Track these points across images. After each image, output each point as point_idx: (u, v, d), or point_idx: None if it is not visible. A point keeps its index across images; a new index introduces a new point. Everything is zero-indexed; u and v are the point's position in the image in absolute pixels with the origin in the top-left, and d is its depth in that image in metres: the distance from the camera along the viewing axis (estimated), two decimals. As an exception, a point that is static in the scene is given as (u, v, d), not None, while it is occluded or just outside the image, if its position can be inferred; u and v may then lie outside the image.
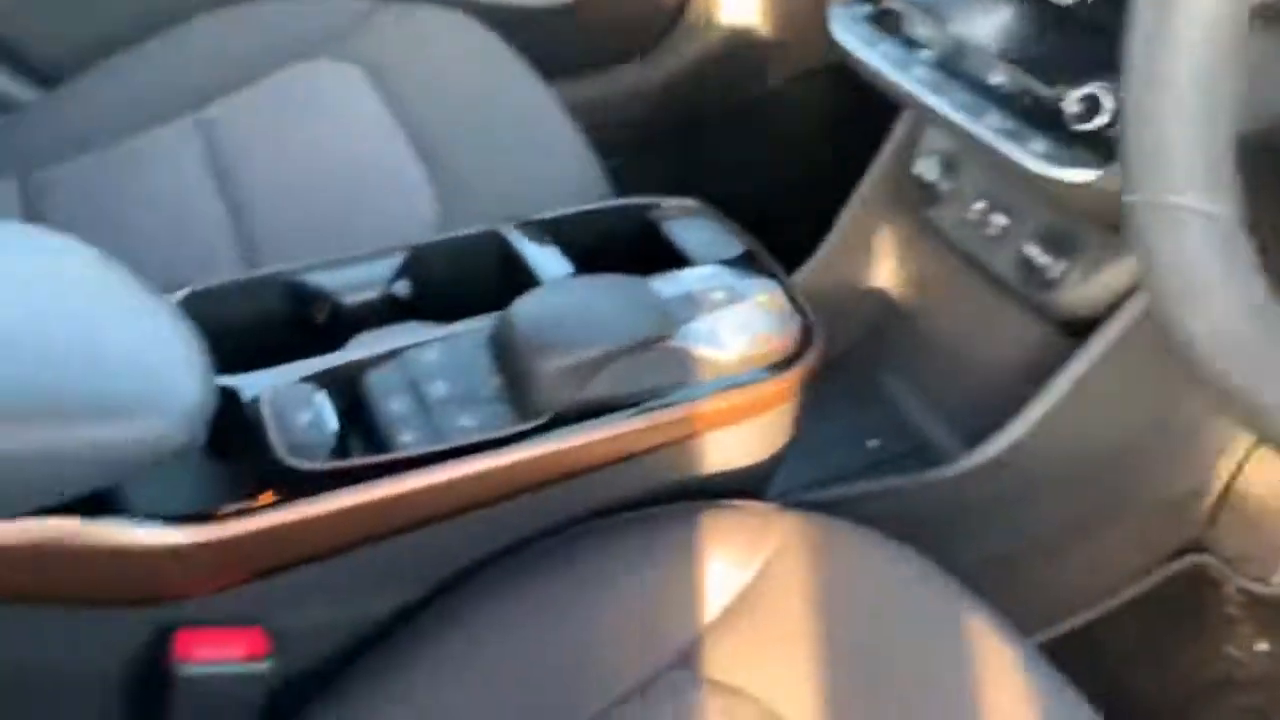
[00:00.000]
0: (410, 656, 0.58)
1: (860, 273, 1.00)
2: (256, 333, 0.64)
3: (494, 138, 0.93)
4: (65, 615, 0.51)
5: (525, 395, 0.59)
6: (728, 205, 0.76)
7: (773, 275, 0.70)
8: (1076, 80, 0.69)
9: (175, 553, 0.50)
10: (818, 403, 1.00)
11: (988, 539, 0.87)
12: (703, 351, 0.63)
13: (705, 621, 0.59)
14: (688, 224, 0.75)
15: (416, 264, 0.70)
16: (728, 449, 0.67)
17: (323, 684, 0.57)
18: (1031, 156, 0.70)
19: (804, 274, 0.98)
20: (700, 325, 0.64)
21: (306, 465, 0.54)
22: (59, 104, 1.00)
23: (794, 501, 0.83)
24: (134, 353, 0.48)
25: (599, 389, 0.60)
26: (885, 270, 1.00)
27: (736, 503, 0.66)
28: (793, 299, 0.69)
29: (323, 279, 0.67)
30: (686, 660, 0.58)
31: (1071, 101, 0.68)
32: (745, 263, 0.71)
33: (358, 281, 0.68)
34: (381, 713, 0.56)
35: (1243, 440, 0.93)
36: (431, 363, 0.61)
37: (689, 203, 0.76)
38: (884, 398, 1.01)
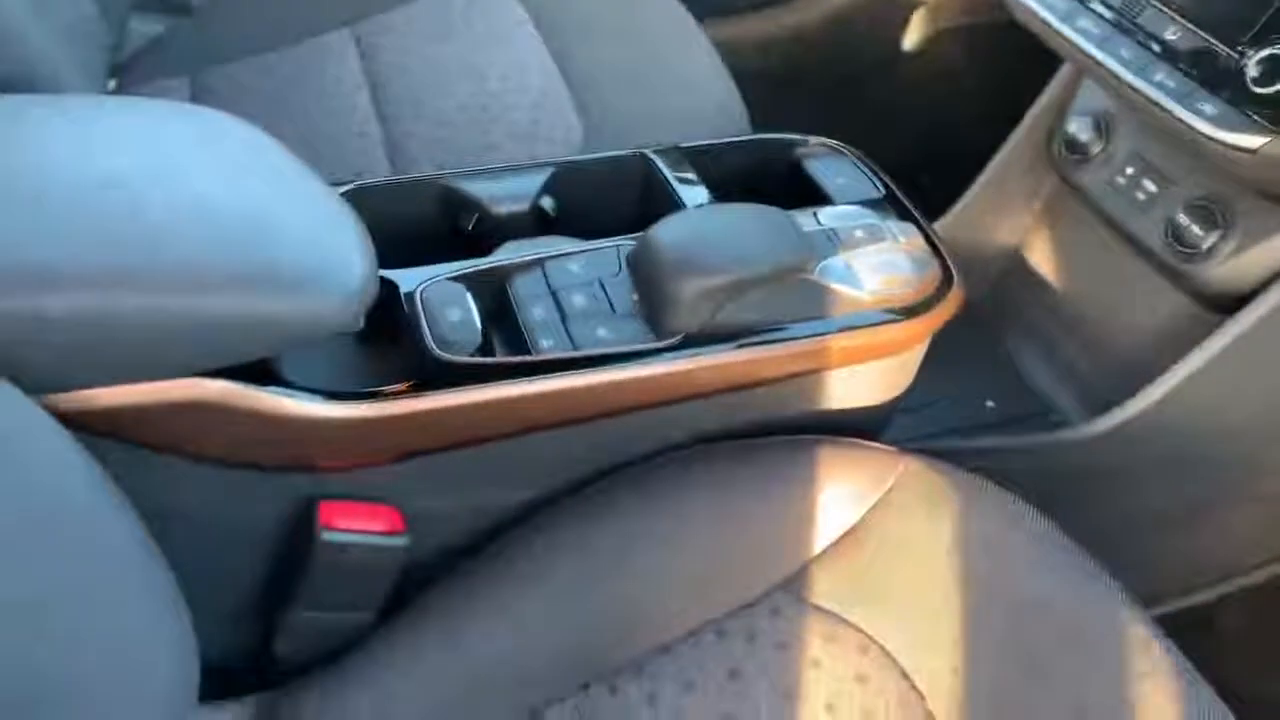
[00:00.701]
0: (535, 546, 0.61)
1: (997, 229, 0.99)
2: (410, 232, 0.67)
3: (641, 68, 0.94)
4: (226, 472, 0.55)
5: (660, 314, 0.61)
6: (870, 153, 0.76)
7: (914, 219, 0.70)
8: (1260, 41, 0.66)
9: (325, 425, 0.54)
10: (939, 359, 1.00)
11: (1106, 509, 0.86)
12: (838, 288, 0.64)
13: (815, 550, 0.61)
14: (830, 163, 0.75)
15: (562, 181, 0.72)
16: (852, 387, 0.67)
17: (450, 564, 0.61)
18: (1201, 118, 0.68)
19: (941, 225, 0.97)
20: (838, 262, 0.65)
21: (452, 358, 0.56)
22: (226, 9, 1.05)
23: (908, 448, 0.84)
24: (308, 232, 0.51)
25: (732, 314, 0.61)
26: (1024, 228, 0.98)
27: (855, 440, 0.67)
28: (933, 244, 0.68)
29: (474, 187, 0.70)
30: (794, 584, 0.59)
31: (1253, 62, 0.66)
32: (886, 205, 0.71)
33: (506, 193, 0.70)
34: (498, 601, 0.59)
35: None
36: (574, 274, 0.63)
37: (832, 143, 0.76)
38: (1006, 359, 0.99)
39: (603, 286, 0.63)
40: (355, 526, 0.55)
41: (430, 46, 0.96)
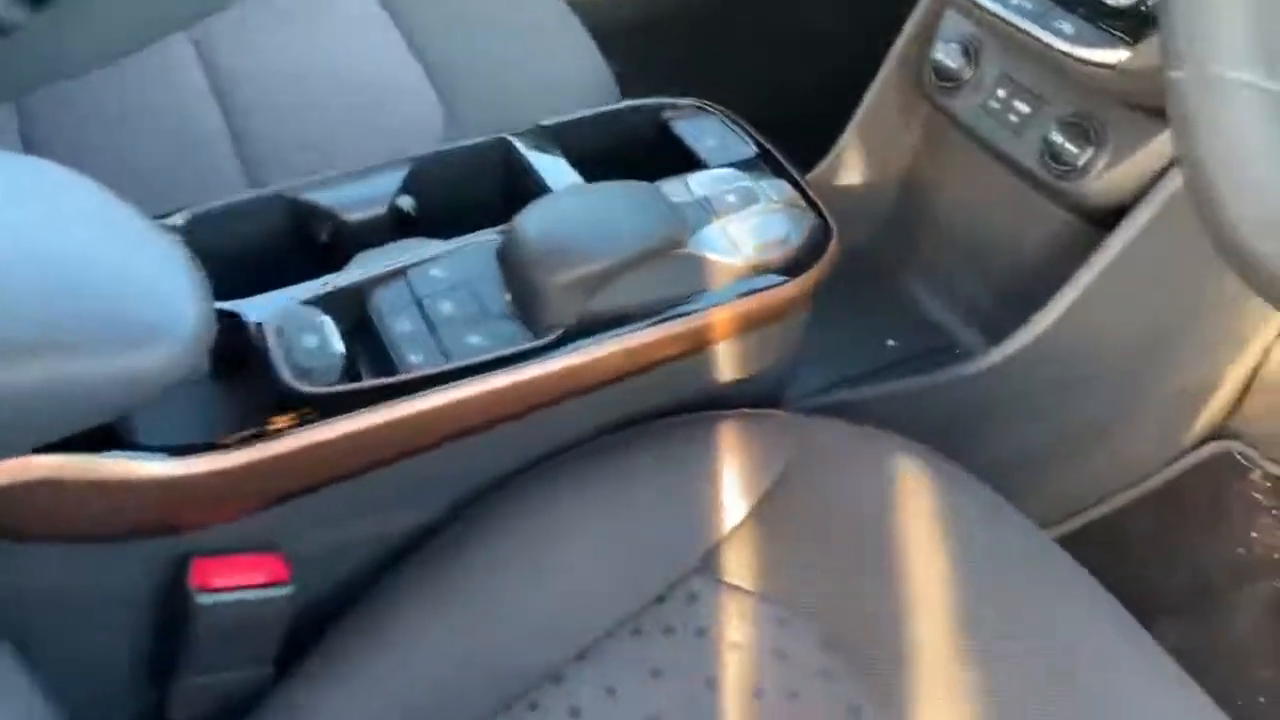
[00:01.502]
0: (432, 572, 0.58)
1: (878, 167, 0.97)
2: (259, 254, 0.63)
3: (498, 41, 0.90)
4: (83, 549, 0.51)
5: (535, 311, 0.58)
6: (738, 108, 0.74)
7: (788, 176, 0.68)
8: (1109, -45, 0.65)
9: (180, 484, 0.50)
10: (835, 304, 0.98)
11: (1011, 436, 0.86)
12: (715, 258, 0.61)
13: (726, 528, 0.59)
14: (699, 125, 0.72)
15: (421, 177, 0.68)
16: (744, 356, 0.65)
17: (344, 604, 0.58)
18: (1061, 37, 0.67)
19: (819, 171, 0.96)
20: (713, 230, 0.62)
21: (313, 389, 0.53)
22: (51, 24, 0.97)
23: (812, 406, 0.83)
24: (129, 280, 0.46)
25: (610, 301, 0.58)
26: (904, 164, 0.97)
27: (753, 410, 0.65)
28: (809, 200, 0.66)
29: (324, 196, 0.66)
30: (707, 567, 0.58)
31: (1105, -23, 0.65)
32: (759, 164, 0.69)
33: (360, 198, 0.66)
34: (405, 628, 0.56)
35: (1270, 323, 0.91)
36: (438, 279, 0.59)
37: (700, 103, 0.74)
38: (903, 297, 0.99)
39: (471, 288, 0.59)
40: (233, 582, 0.52)
41: (276, 44, 0.91)
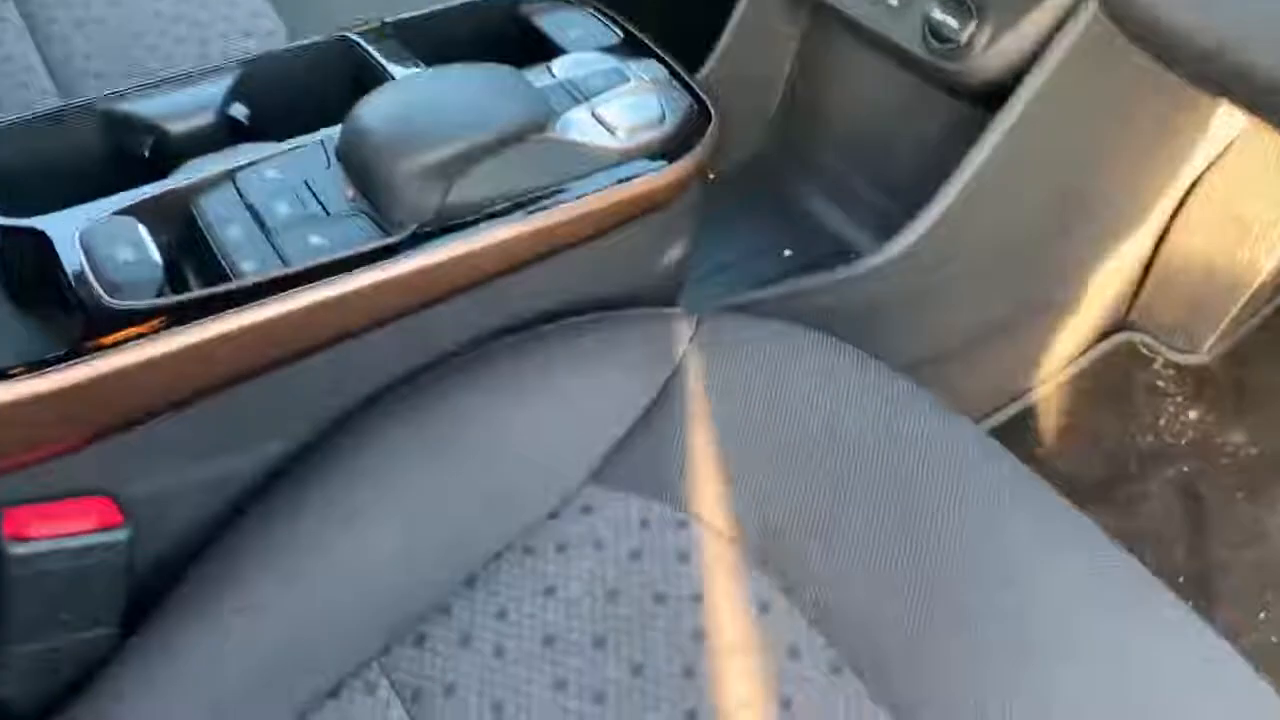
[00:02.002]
0: (297, 506, 0.52)
1: (763, 70, 0.93)
2: (73, 170, 0.56)
3: None
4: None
5: (383, 206, 0.52)
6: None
7: (656, 56, 0.62)
8: None
9: (-12, 415, 0.43)
10: (726, 218, 0.94)
11: (913, 337, 0.83)
12: (585, 141, 0.56)
13: (620, 433, 0.54)
14: (561, 17, 0.67)
15: (254, 82, 0.61)
16: (628, 251, 0.60)
17: (200, 548, 0.51)
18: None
19: (702, 76, 0.91)
20: (579, 113, 0.57)
21: (129, 304, 0.46)
22: None
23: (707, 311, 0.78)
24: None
25: (468, 193, 0.53)
26: (789, 65, 0.93)
27: (639, 310, 0.60)
28: (682, 81, 0.61)
29: (144, 107, 0.58)
30: (602, 474, 0.53)
31: None
32: (626, 49, 0.64)
33: (186, 107, 0.59)
34: (274, 567, 0.50)
35: (1161, 211, 0.89)
36: (272, 181, 0.53)
37: None
38: (796, 205, 0.95)
39: (310, 188, 0.53)
40: (55, 530, 0.45)
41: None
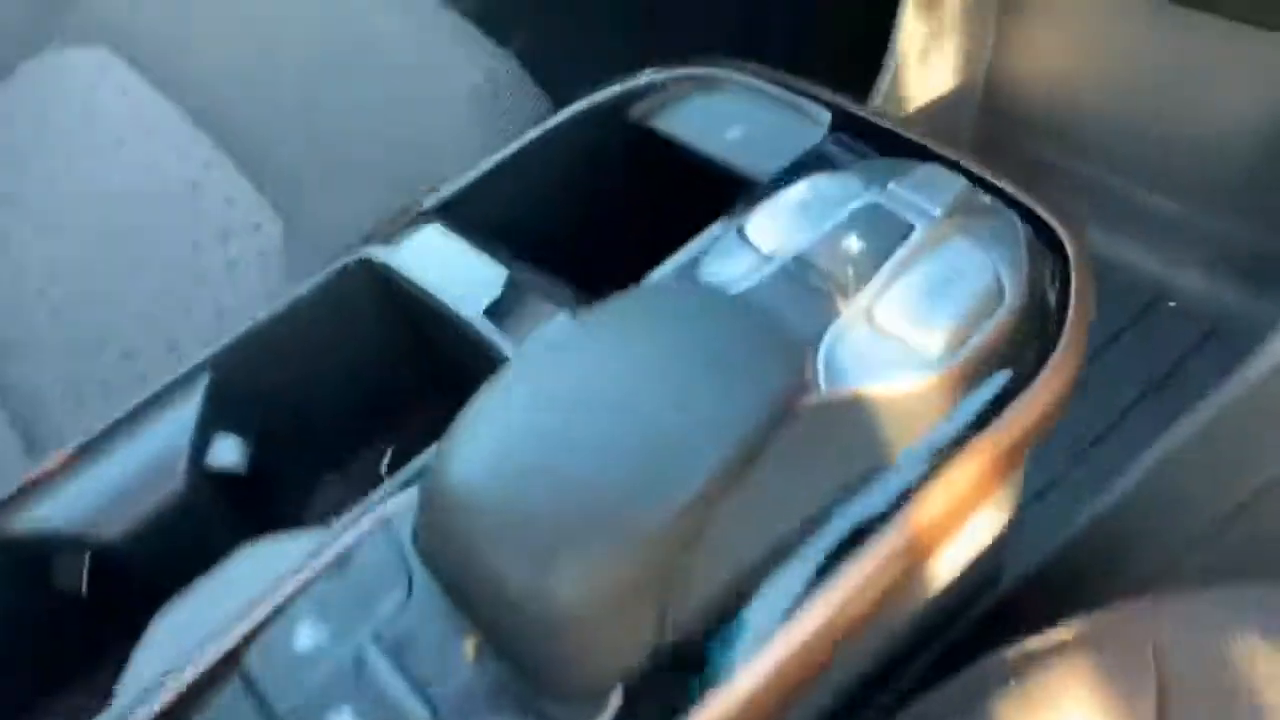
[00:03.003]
0: None
1: (959, 58, 0.62)
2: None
3: (368, 95, 0.55)
4: None
5: (536, 673, 0.25)
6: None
7: (931, 154, 0.34)
8: None
9: None
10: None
11: None
12: (882, 386, 0.28)
13: None
14: (700, 106, 0.39)
15: (239, 376, 0.35)
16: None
17: None
18: None
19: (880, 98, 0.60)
20: (856, 324, 0.29)
21: None
22: None
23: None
24: None
25: (707, 579, 0.25)
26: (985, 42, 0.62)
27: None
28: (986, 185, 0.33)
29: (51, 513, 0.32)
30: None
31: None
32: (848, 144, 0.35)
33: (126, 482, 0.33)
34: None
35: None
36: (311, 658, 0.26)
37: (680, 71, 0.40)
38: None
39: (393, 650, 0.26)
40: None
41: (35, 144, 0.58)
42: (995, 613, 0.38)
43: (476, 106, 0.53)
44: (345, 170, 0.51)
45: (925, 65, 0.59)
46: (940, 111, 0.62)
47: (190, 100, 0.56)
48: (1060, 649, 0.32)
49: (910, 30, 0.58)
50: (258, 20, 0.59)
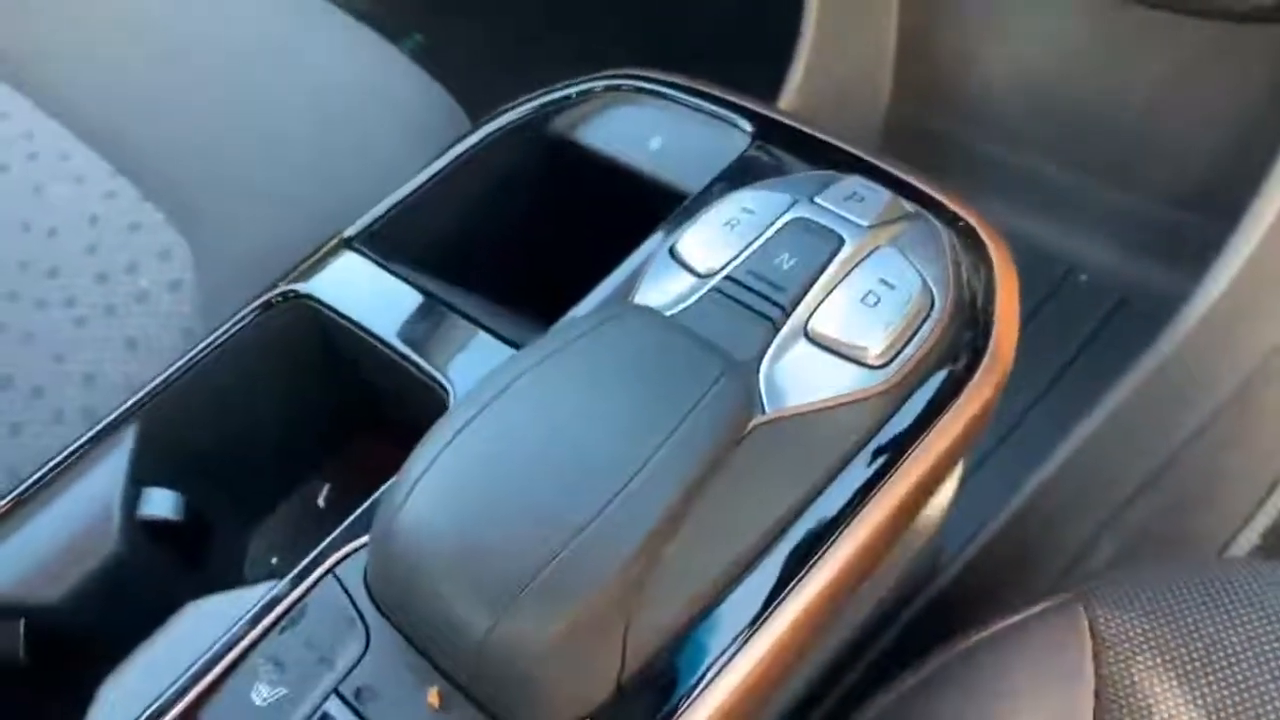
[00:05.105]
0: None
1: (857, 44, 0.63)
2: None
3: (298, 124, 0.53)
4: None
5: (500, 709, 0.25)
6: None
7: (851, 158, 0.35)
8: None
9: None
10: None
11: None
12: (813, 401, 0.28)
13: None
14: (615, 115, 0.39)
15: (165, 422, 0.34)
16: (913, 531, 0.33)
17: None
18: None
19: (789, 96, 0.61)
20: (794, 345, 0.29)
21: None
22: None
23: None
24: None
25: (662, 616, 0.25)
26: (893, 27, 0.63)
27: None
28: (912, 190, 0.34)
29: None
30: None
31: None
32: (769, 153, 0.36)
33: (64, 540, 0.32)
34: None
35: None
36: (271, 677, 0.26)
37: (595, 79, 0.40)
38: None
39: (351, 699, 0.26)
40: None
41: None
42: (938, 601, 0.39)
43: (386, 111, 0.52)
44: (250, 191, 0.50)
45: (835, 52, 0.60)
46: (852, 96, 0.63)
47: (83, 123, 0.54)
48: (1002, 637, 0.33)
49: (818, 17, 0.58)
50: (146, 31, 0.57)
